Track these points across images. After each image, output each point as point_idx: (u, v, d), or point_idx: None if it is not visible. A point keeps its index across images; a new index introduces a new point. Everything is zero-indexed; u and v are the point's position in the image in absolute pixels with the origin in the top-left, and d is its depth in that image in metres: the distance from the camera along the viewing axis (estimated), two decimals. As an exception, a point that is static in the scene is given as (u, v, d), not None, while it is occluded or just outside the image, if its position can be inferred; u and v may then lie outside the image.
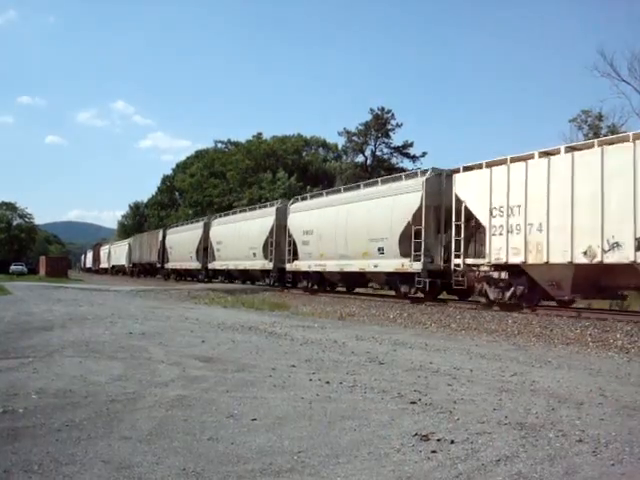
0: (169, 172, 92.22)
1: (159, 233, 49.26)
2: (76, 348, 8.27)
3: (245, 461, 3.69)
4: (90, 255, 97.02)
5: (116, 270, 68.09)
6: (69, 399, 5.21)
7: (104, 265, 76.91)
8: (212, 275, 36.68)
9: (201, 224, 38.98)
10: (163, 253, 46.34)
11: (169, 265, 45.00)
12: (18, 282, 34.38)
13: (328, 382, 6.13)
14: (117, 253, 68.58)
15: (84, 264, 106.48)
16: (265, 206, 31.95)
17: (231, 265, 33.43)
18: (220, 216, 38.68)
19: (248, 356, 7.84)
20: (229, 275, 34.75)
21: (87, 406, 4.96)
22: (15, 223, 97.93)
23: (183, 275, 43.56)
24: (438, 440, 4.13)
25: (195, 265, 38.98)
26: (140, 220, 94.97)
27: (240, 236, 31.82)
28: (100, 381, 6.03)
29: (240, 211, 36.34)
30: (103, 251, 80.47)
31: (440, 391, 5.82)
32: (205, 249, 37.58)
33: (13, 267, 66.15)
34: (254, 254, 29.75)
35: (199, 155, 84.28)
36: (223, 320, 12.65)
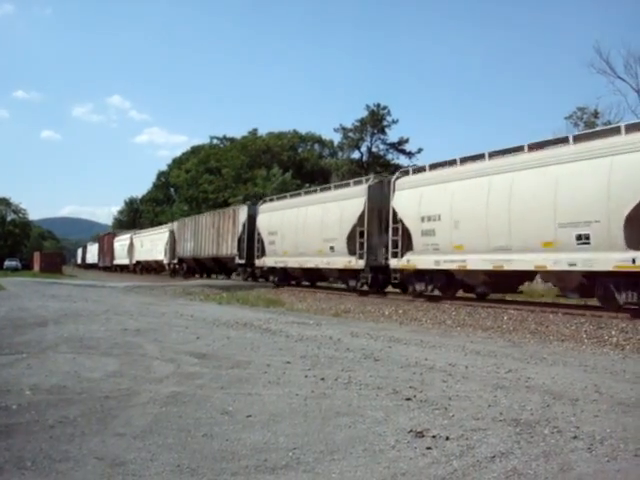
0: (165, 168, 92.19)
1: (240, 210, 31.35)
2: (70, 344, 8.25)
3: (240, 458, 3.68)
4: (94, 249, 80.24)
5: (145, 268, 52.84)
6: (63, 395, 5.19)
7: (121, 261, 59.95)
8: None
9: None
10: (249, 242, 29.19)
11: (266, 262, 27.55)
12: (12, 278, 34.31)
13: (323, 379, 6.12)
14: (148, 245, 50.24)
15: (83, 259, 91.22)
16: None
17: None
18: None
19: (243, 352, 7.83)
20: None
21: (81, 402, 4.94)
22: (9, 219, 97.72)
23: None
24: (433, 437, 4.13)
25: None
26: (135, 216, 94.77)
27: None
28: (94, 377, 6.01)
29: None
30: (119, 243, 61.56)
31: (435, 387, 5.82)
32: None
33: (7, 263, 66.00)
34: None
35: (194, 151, 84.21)
36: (218, 317, 12.63)
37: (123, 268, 60.06)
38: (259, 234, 27.82)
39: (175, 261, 42.45)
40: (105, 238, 71.68)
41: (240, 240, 29.86)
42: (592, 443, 4.00)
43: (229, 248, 31.63)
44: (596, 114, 38.13)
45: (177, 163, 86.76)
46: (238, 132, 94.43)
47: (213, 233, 34.17)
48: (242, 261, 29.75)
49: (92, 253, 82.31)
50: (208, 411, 4.76)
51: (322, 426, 4.39)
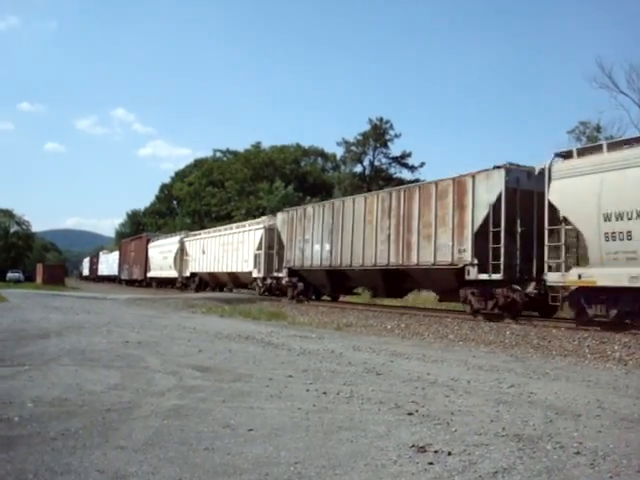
0: (168, 180, 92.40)
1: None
2: (72, 356, 8.25)
3: (241, 472, 3.68)
4: (110, 258, 67.87)
5: (205, 284, 36.77)
6: (65, 408, 5.19)
7: (162, 273, 43.15)
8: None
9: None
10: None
11: None
12: (15, 290, 34.32)
13: (325, 393, 6.11)
14: (216, 251, 33.72)
15: (93, 271, 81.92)
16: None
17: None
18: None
19: (245, 366, 7.82)
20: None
21: (83, 415, 4.94)
22: (12, 230, 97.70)
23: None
24: (435, 452, 4.12)
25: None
26: (138, 228, 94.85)
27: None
28: (96, 390, 6.01)
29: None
30: (159, 249, 44.26)
31: (437, 402, 5.81)
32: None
33: (10, 274, 65.98)
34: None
35: (198, 164, 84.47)
36: (220, 329, 12.62)
37: (163, 283, 44.28)
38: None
39: (282, 275, 25.79)
40: (131, 244, 55.76)
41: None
42: (595, 459, 3.99)
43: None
44: (598, 129, 38.21)
45: (180, 176, 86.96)
46: (241, 145, 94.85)
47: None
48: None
49: (108, 263, 69.21)
50: (210, 425, 4.76)
51: (324, 440, 4.38)
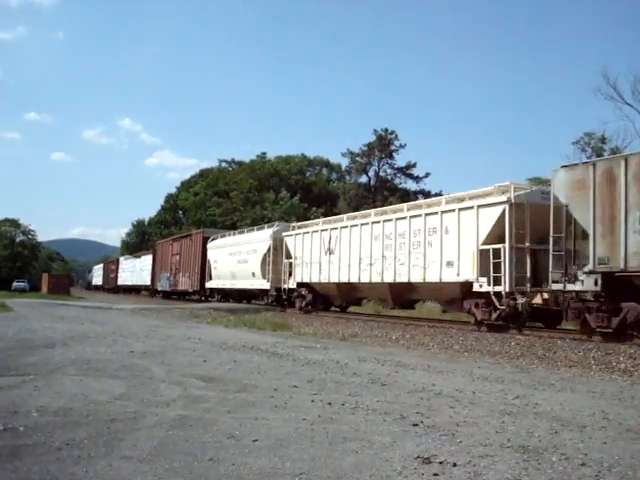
0: (174, 190, 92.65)
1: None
2: (77, 366, 8.26)
3: (246, 482, 3.68)
4: (138, 264, 56.25)
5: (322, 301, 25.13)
6: (70, 417, 5.20)
7: (235, 283, 31.77)
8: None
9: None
10: None
11: None
12: (20, 299, 34.37)
13: (330, 403, 6.10)
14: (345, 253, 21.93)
15: (109, 280, 73.28)
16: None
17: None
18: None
19: (250, 376, 7.82)
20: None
21: (88, 425, 4.95)
22: (18, 240, 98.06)
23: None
24: (440, 463, 4.11)
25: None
26: (144, 238, 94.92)
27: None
28: (101, 400, 6.01)
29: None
30: (228, 250, 32.50)
31: (442, 413, 5.79)
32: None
33: (15, 284, 66.18)
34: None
35: (203, 174, 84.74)
36: (225, 340, 12.62)
37: (233, 296, 33.30)
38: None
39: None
40: (174, 244, 43.18)
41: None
42: (600, 470, 3.98)
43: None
44: (604, 139, 38.23)
45: (185, 186, 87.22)
46: (247, 156, 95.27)
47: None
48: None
49: (134, 271, 57.31)
50: (215, 435, 4.76)
51: (329, 451, 4.38)
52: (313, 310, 24.38)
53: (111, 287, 71.86)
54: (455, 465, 4.06)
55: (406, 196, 51.70)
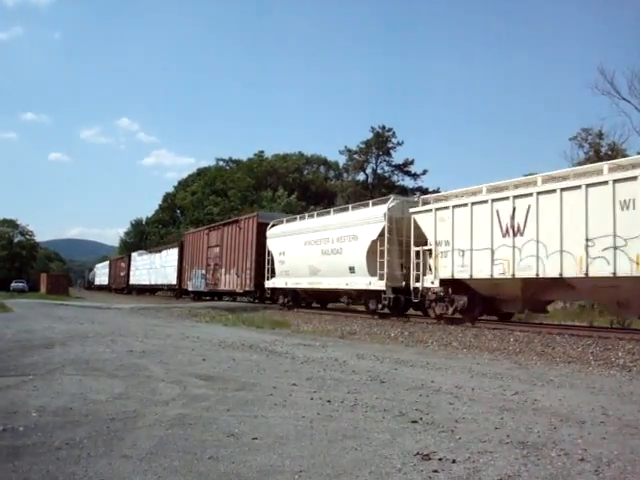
0: (172, 190, 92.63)
1: None
2: (76, 366, 8.26)
3: (246, 480, 3.68)
4: (153, 260, 50.12)
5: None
6: (69, 417, 5.20)
7: (314, 280, 23.38)
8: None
9: None
10: None
11: None
12: (19, 299, 34.35)
13: (329, 401, 6.11)
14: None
15: (114, 278, 68.51)
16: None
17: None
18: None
19: (249, 375, 7.82)
20: None
21: (87, 424, 4.95)
22: (16, 240, 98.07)
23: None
24: (440, 459, 4.12)
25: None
26: (142, 238, 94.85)
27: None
28: (100, 399, 6.01)
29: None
30: (293, 239, 24.77)
31: (441, 410, 5.80)
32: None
33: (14, 284, 66.17)
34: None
35: (200, 173, 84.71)
36: (224, 338, 12.62)
37: (311, 298, 26.43)
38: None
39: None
40: (211, 234, 35.88)
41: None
42: (599, 465, 3.98)
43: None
44: (601, 135, 38.25)
45: (183, 185, 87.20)
46: (244, 154, 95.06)
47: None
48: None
49: (152, 268, 49.80)
50: (214, 433, 4.76)
51: (328, 449, 4.38)
52: (468, 319, 16.82)
53: (120, 287, 63.71)
54: (454, 461, 4.07)
55: (404, 194, 51.78)
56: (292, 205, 54.76)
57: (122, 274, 62.45)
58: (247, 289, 29.78)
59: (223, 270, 32.82)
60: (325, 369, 8.45)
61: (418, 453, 4.25)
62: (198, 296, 38.31)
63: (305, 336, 14.17)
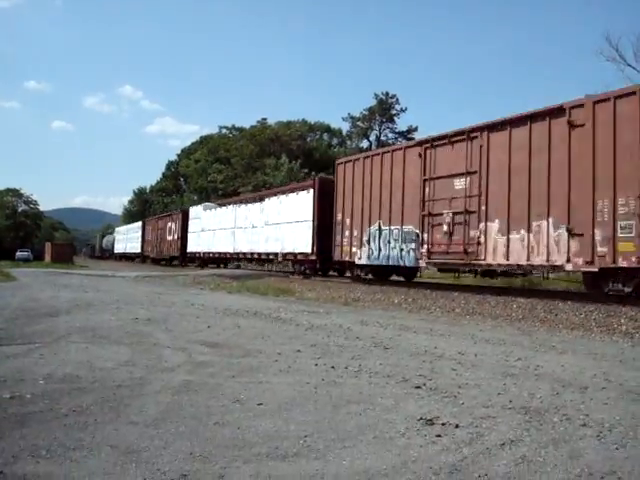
0: (174, 158, 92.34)
1: None
2: (82, 334, 8.31)
3: (251, 445, 3.73)
4: (217, 217, 34.45)
5: None
6: (76, 384, 5.25)
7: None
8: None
9: None
10: None
11: None
12: (24, 269, 34.50)
13: (333, 367, 6.15)
14: None
15: (150, 247, 51.30)
16: None
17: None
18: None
19: (253, 341, 7.87)
20: None
21: (94, 391, 5.00)
22: (20, 209, 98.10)
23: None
24: (443, 424, 4.16)
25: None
26: (145, 206, 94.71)
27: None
28: (107, 367, 6.06)
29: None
30: None
31: (445, 376, 5.84)
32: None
33: (19, 254, 66.35)
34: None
35: (204, 141, 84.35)
36: (228, 305, 12.69)
37: None
38: None
39: None
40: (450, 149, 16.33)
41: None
42: (601, 431, 4.02)
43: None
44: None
45: (186, 153, 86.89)
46: (247, 122, 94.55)
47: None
48: None
49: (240, 229, 30.63)
50: (220, 399, 4.81)
51: (332, 414, 4.43)
52: None
53: (163, 256, 46.92)
54: (457, 426, 4.10)
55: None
56: (295, 172, 54.55)
57: (170, 238, 44.68)
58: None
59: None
60: (329, 335, 8.50)
61: (421, 418, 4.29)
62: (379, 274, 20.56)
63: (309, 303, 14.24)
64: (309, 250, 23.13)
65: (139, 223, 59.39)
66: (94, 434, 3.88)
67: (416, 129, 57.92)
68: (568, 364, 6.52)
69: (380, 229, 18.65)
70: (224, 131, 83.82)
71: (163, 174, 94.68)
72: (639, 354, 7.41)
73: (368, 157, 19.96)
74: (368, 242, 19.21)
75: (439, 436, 3.90)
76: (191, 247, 39.40)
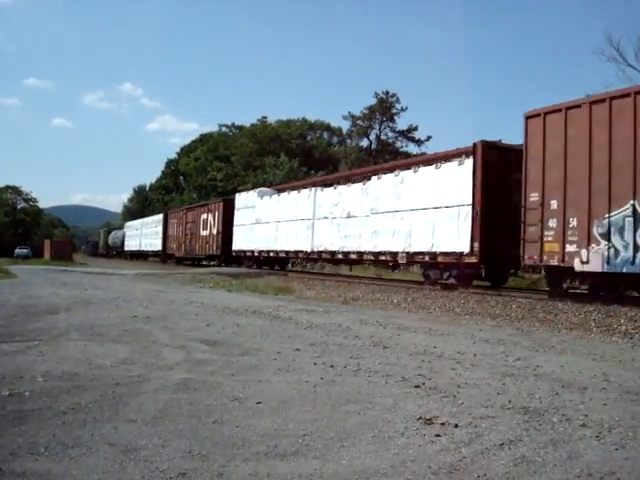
0: (174, 156, 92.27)
1: None
2: (81, 331, 8.30)
3: (250, 444, 3.72)
4: (279, 204, 27.02)
5: None
6: (75, 382, 5.24)
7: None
8: None
9: None
10: None
11: None
12: (23, 266, 34.45)
13: (332, 366, 6.15)
14: None
15: (177, 245, 42.03)
16: None
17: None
18: None
19: (253, 340, 7.87)
20: None
21: (93, 389, 4.99)
22: (20, 207, 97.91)
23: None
24: (442, 424, 4.15)
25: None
26: (145, 204, 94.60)
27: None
28: (105, 364, 6.06)
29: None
30: None
31: (444, 375, 5.84)
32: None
33: (18, 251, 66.19)
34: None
35: (203, 139, 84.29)
36: (227, 304, 12.67)
37: None
38: None
39: None
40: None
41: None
42: (600, 431, 4.01)
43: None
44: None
45: (186, 151, 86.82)
46: (247, 120, 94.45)
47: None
48: None
49: (328, 219, 22.95)
50: (218, 398, 4.80)
51: (331, 413, 4.42)
52: None
53: (197, 255, 38.47)
54: (457, 426, 4.10)
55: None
56: (294, 171, 54.51)
57: (205, 233, 36.39)
58: None
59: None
60: (328, 334, 8.49)
61: (421, 417, 4.29)
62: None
63: (308, 302, 14.23)
64: (465, 249, 16.36)
65: (159, 216, 50.66)
66: (93, 432, 3.87)
67: (416, 128, 57.76)
68: (567, 364, 6.52)
69: (636, 214, 11.87)
70: (224, 129, 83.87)
71: (163, 172, 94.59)
72: (638, 354, 7.41)
73: (601, 101, 12.90)
74: (607, 236, 12.33)
75: (438, 436, 3.90)
76: (239, 244, 31.09)
